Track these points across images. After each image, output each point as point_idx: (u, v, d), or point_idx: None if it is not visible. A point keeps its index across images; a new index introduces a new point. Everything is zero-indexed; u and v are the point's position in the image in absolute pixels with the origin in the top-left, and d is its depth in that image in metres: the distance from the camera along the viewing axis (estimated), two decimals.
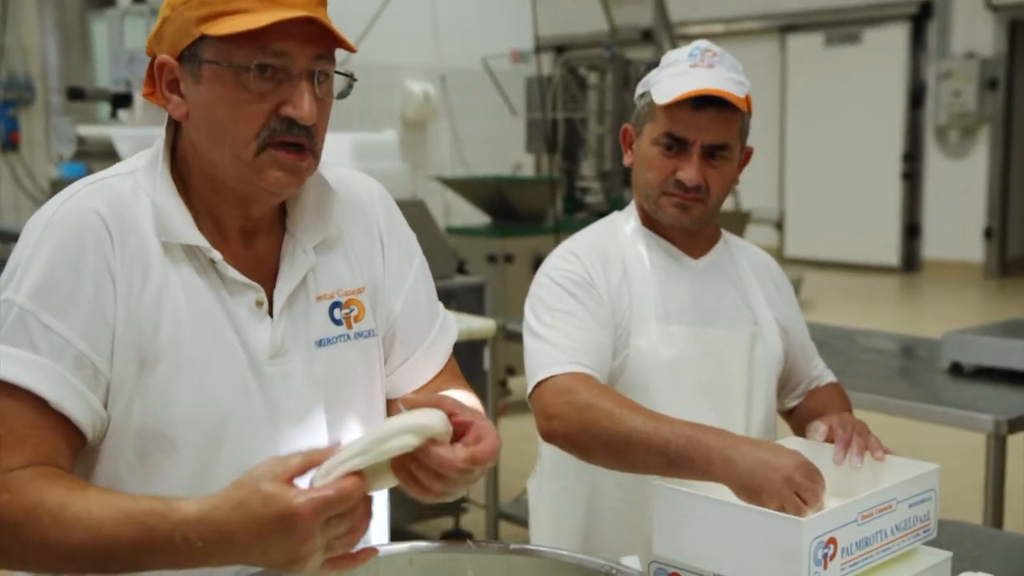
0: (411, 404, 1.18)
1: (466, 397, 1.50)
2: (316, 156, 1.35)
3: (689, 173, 1.81)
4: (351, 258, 1.48)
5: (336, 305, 1.45)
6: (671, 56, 1.88)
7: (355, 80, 1.38)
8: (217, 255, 1.34)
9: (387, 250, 1.52)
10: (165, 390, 1.30)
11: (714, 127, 1.80)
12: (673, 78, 1.81)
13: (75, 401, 1.25)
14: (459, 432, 1.20)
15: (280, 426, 1.38)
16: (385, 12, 7.36)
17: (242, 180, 1.33)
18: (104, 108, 6.97)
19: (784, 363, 1.96)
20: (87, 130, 4.56)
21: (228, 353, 1.34)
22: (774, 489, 1.45)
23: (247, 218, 1.38)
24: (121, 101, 4.32)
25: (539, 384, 1.74)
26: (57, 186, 8.10)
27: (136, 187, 1.34)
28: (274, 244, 1.41)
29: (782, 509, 1.43)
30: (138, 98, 4.21)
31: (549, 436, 1.72)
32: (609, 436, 1.62)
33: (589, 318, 1.80)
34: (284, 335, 1.38)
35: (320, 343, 1.42)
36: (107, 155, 4.48)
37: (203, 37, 1.28)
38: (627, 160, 1.94)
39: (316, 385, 1.41)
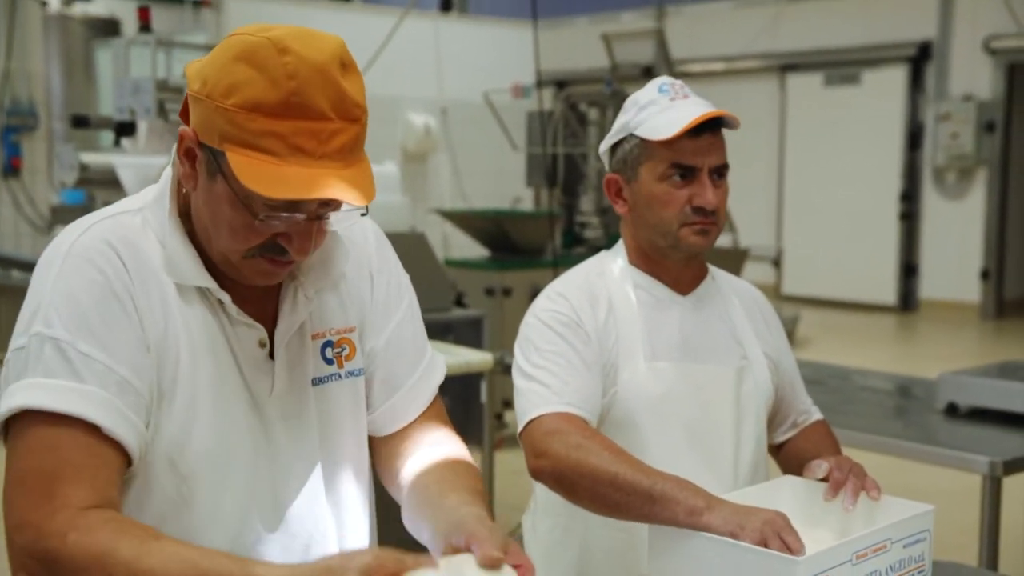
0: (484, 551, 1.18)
1: (453, 444, 1.52)
2: (305, 257, 1.34)
3: (707, 196, 1.84)
4: (344, 297, 1.49)
5: (328, 344, 1.46)
6: (642, 97, 1.89)
7: (366, 214, 1.35)
8: (226, 297, 1.34)
9: (376, 289, 1.52)
10: (183, 424, 1.31)
11: (715, 150, 1.85)
12: (659, 115, 1.84)
13: (125, 426, 1.25)
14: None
15: (280, 464, 1.39)
16: (388, 44, 7.42)
17: (226, 265, 1.34)
18: (106, 136, 7.00)
19: (774, 397, 1.97)
20: (90, 157, 4.58)
21: (234, 391, 1.36)
22: (755, 527, 1.46)
23: None
24: (125, 129, 4.35)
25: (530, 423, 1.76)
26: (57, 212, 8.15)
27: (144, 225, 1.34)
28: (274, 285, 1.41)
29: (762, 544, 1.44)
30: (142, 126, 4.23)
31: (537, 473, 1.73)
32: (596, 476, 1.64)
33: (578, 360, 1.82)
34: (284, 375, 1.40)
35: (315, 382, 1.43)
36: (109, 183, 4.51)
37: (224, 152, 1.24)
38: (620, 209, 1.94)
39: (311, 424, 1.42)
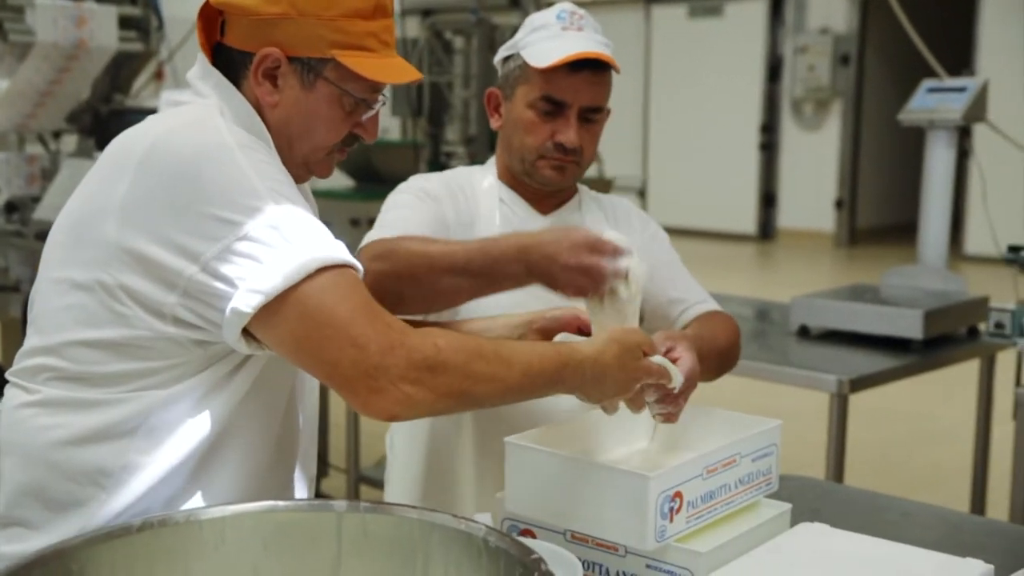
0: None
1: None
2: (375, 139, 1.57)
3: (569, 136, 1.83)
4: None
5: None
6: (537, 19, 1.88)
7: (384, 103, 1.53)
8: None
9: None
10: None
11: (591, 89, 1.83)
12: (546, 41, 1.82)
13: None
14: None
15: None
16: None
17: (296, 166, 1.46)
18: None
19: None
20: None
21: None
22: (564, 278, 1.52)
23: None
24: None
25: (358, 252, 1.71)
26: None
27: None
28: None
29: (579, 293, 1.52)
30: None
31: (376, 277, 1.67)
32: (413, 269, 1.61)
33: (426, 214, 1.82)
34: None
35: None
36: None
37: (332, 58, 1.40)
38: (495, 124, 1.94)
39: None
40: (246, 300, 1.25)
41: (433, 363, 1.26)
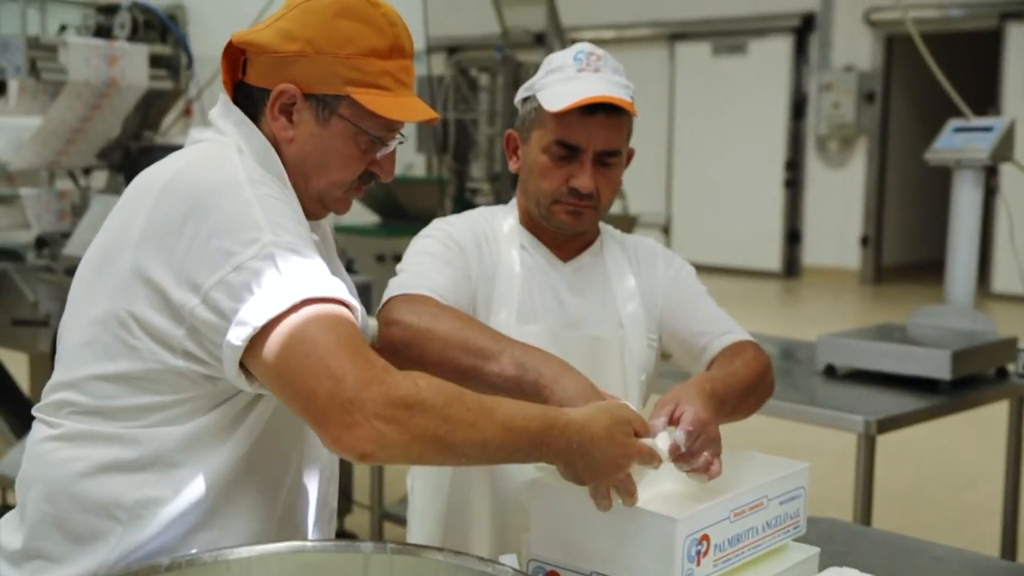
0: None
1: None
2: (391, 178, 1.57)
3: (583, 181, 1.80)
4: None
5: None
6: (555, 60, 1.86)
7: (403, 142, 1.55)
8: (316, 238, 1.46)
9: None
10: None
11: (605, 133, 1.80)
12: (561, 83, 1.80)
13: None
14: None
15: None
16: (271, 9, 7.24)
17: (312, 202, 1.50)
18: None
19: (653, 366, 1.95)
20: None
21: None
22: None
23: None
24: None
25: (385, 303, 1.71)
26: None
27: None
28: None
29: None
30: (12, 86, 4.05)
31: (385, 341, 1.66)
32: (446, 341, 1.59)
33: (452, 264, 1.80)
34: None
35: None
36: None
37: (347, 96, 1.43)
38: (513, 166, 1.92)
39: None
40: (236, 333, 1.26)
41: (412, 402, 1.23)
